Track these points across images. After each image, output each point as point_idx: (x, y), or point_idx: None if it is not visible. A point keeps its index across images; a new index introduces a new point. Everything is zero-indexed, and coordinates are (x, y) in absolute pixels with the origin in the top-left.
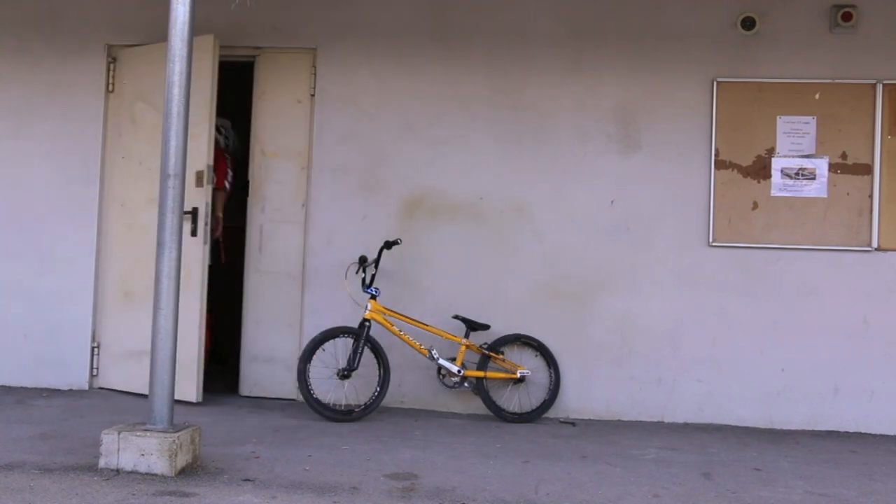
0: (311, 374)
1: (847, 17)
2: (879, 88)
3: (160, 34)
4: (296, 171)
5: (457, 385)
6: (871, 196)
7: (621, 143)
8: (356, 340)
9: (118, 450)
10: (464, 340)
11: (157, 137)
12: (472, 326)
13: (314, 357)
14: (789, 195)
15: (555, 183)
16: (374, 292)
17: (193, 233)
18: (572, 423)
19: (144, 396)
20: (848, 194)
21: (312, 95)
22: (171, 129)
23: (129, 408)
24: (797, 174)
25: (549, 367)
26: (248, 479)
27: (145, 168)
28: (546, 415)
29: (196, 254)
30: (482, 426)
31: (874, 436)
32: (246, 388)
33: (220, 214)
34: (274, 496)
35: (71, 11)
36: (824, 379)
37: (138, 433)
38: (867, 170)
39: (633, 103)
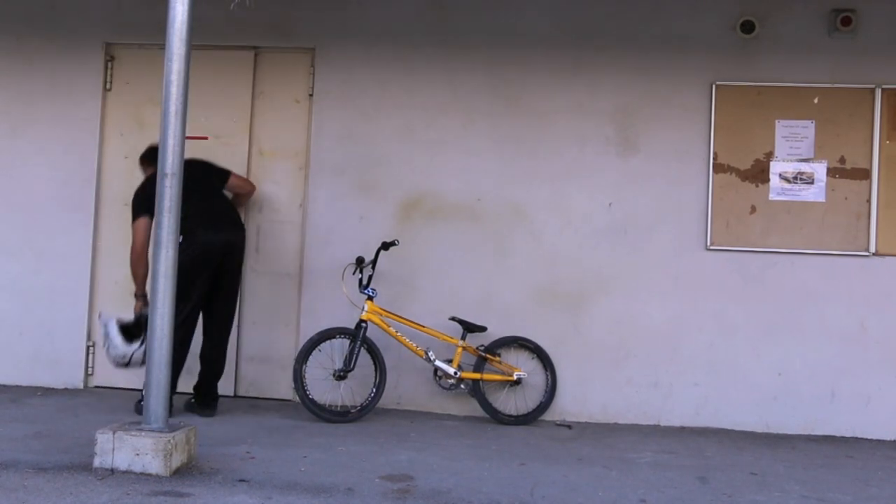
0: (307, 375)
1: (846, 21)
2: (878, 93)
3: (158, 33)
4: (293, 171)
5: (453, 387)
6: (869, 201)
7: (620, 146)
8: (352, 341)
9: (113, 449)
10: (460, 342)
11: None
12: (468, 328)
13: (310, 358)
14: (787, 199)
15: (553, 185)
16: (370, 293)
17: None
18: (568, 426)
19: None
20: (846, 199)
21: (311, 95)
22: (169, 128)
23: (124, 407)
24: (795, 178)
25: (546, 370)
26: (244, 480)
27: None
28: (542, 417)
29: None
30: (478, 428)
31: (870, 441)
32: (242, 388)
33: None
34: (269, 497)
35: (69, 9)
36: (821, 383)
37: (133, 433)
38: (865, 174)
39: (632, 106)
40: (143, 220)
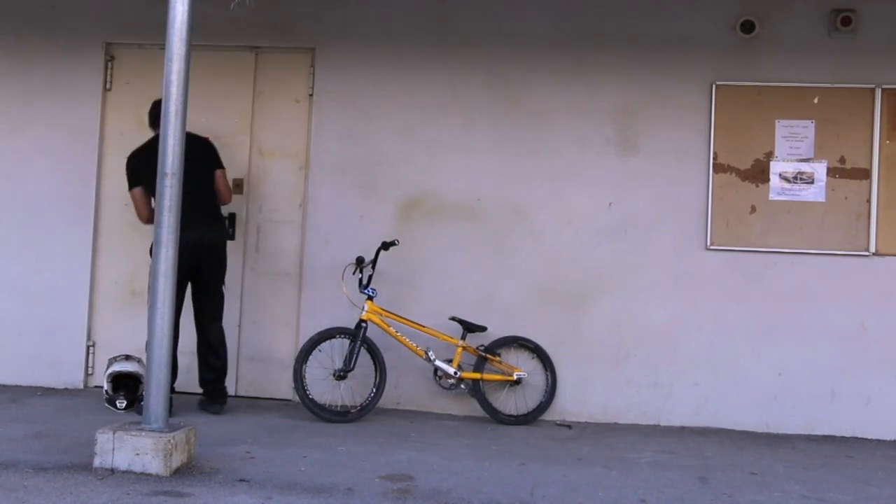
0: (307, 375)
1: (846, 21)
2: (878, 93)
3: (158, 33)
4: (293, 170)
5: (453, 387)
6: (869, 201)
7: (620, 146)
8: (353, 341)
9: (113, 449)
10: (460, 342)
11: None
12: (468, 328)
13: (310, 357)
14: (787, 199)
15: (553, 185)
16: (370, 293)
17: (231, 237)
18: (568, 426)
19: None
20: (846, 199)
21: (311, 95)
22: (169, 128)
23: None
24: (795, 178)
25: (546, 370)
26: (244, 480)
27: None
28: (542, 417)
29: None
30: (478, 428)
31: (870, 441)
32: (242, 387)
33: None
34: (269, 497)
35: (69, 9)
36: (821, 383)
37: (133, 433)
38: (865, 174)
39: (632, 106)
40: (137, 191)
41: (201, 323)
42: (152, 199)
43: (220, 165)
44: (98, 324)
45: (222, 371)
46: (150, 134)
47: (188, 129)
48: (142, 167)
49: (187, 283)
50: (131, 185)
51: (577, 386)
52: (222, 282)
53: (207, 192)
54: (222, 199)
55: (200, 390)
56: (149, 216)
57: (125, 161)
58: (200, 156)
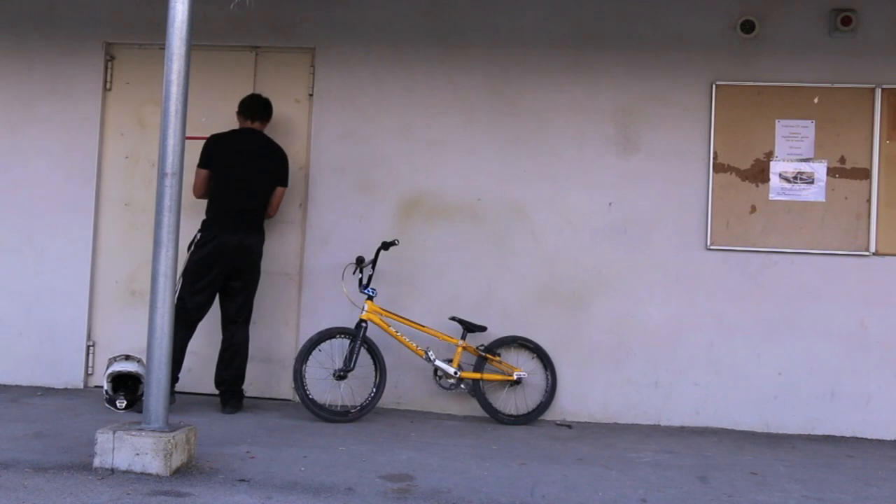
0: (307, 375)
1: (846, 21)
2: (878, 93)
3: (158, 33)
4: (294, 171)
5: (453, 387)
6: (869, 200)
7: (620, 146)
8: (353, 341)
9: (113, 449)
10: (460, 342)
11: None
12: (468, 328)
13: (310, 357)
14: (787, 199)
15: (553, 185)
16: (371, 293)
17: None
18: (568, 426)
19: None
20: (846, 198)
21: (311, 95)
22: (169, 127)
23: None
24: (795, 178)
25: (546, 370)
26: (244, 480)
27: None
28: (542, 417)
29: None
30: (478, 428)
31: (870, 440)
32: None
33: None
34: (269, 496)
35: (69, 8)
36: (821, 383)
37: (133, 432)
38: (865, 174)
39: (632, 106)
40: (203, 172)
41: (228, 327)
42: (212, 183)
43: (285, 183)
44: (98, 324)
45: (236, 375)
46: (149, 135)
47: (265, 134)
48: (217, 152)
49: (218, 287)
50: (200, 165)
51: (577, 386)
52: (254, 289)
53: (263, 201)
54: (269, 212)
55: (203, 391)
56: (202, 194)
57: (206, 139)
58: (274, 166)
